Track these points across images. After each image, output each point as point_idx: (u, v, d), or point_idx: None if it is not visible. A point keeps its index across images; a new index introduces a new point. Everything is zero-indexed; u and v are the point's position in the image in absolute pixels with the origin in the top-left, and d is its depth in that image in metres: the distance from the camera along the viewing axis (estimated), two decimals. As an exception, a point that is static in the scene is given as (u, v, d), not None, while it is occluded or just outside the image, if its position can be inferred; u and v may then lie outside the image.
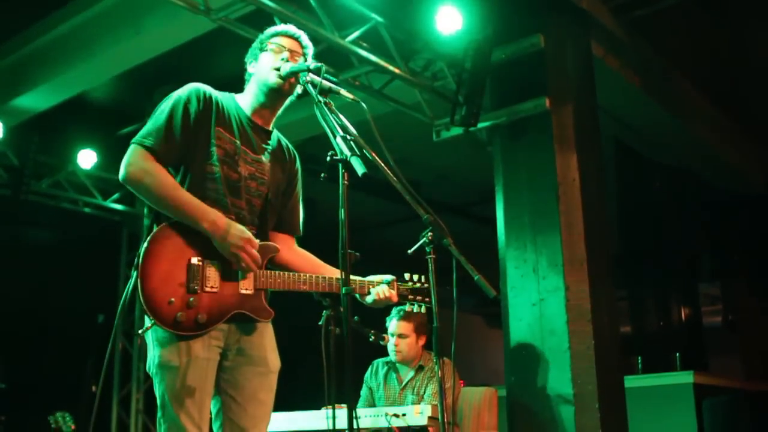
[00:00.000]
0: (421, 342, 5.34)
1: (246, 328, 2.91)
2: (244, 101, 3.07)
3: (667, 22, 7.38)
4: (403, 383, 5.32)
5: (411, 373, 5.32)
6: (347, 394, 2.48)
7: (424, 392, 5.17)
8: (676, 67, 8.33)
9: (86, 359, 9.45)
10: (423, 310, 3.26)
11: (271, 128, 3.12)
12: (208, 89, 2.96)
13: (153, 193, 2.76)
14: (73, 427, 6.31)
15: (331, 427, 4.21)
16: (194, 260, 2.75)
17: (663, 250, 9.98)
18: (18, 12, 6.76)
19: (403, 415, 4.60)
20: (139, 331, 2.73)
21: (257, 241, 2.86)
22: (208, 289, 2.76)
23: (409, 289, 3.22)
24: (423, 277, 3.23)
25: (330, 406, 4.36)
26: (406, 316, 5.33)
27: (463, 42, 6.29)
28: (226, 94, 3.05)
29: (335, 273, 3.06)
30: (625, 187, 9.38)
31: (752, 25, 7.40)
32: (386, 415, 4.63)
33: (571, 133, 6.12)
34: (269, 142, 3.09)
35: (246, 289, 2.85)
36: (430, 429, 4.59)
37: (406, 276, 3.24)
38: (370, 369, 5.55)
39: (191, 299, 2.72)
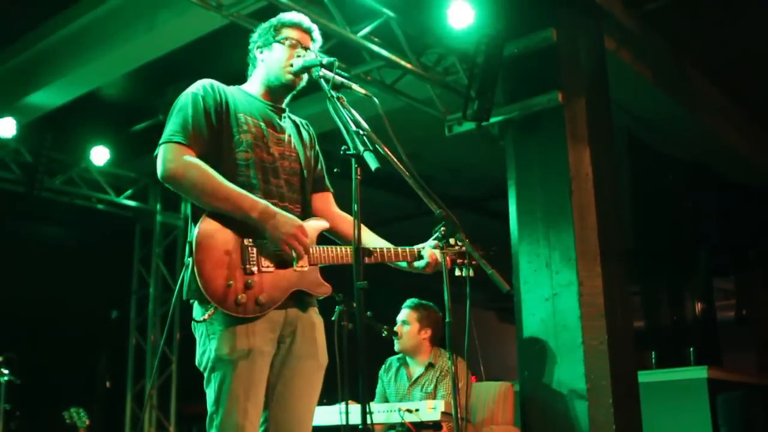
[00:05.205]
0: (424, 335, 5.28)
1: (301, 318, 2.89)
2: (254, 89, 3.07)
3: (679, 14, 7.33)
4: (413, 379, 5.29)
5: (420, 370, 5.27)
6: (360, 389, 2.48)
7: (435, 392, 5.13)
8: (690, 59, 8.28)
9: (100, 355, 9.51)
10: (471, 273, 3.12)
11: (284, 106, 3.12)
12: (216, 82, 2.95)
13: (199, 186, 2.71)
14: (87, 422, 6.35)
15: (344, 423, 4.23)
16: (246, 242, 2.73)
17: (676, 244, 9.94)
18: (30, 9, 6.79)
19: (416, 410, 4.60)
20: (200, 319, 2.69)
21: (307, 224, 2.87)
22: (264, 269, 2.74)
23: (456, 254, 3.12)
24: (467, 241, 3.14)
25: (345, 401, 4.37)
26: (415, 306, 5.33)
27: (475, 36, 6.27)
28: (232, 87, 3.03)
29: (377, 240, 3.06)
30: (639, 181, 9.34)
31: (765, 16, 7.34)
32: (399, 410, 4.63)
33: (584, 127, 6.10)
34: (285, 119, 3.10)
35: (302, 267, 2.83)
36: (443, 424, 4.59)
37: (451, 241, 3.08)
38: (384, 365, 5.55)
39: (249, 280, 2.69)
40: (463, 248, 3.10)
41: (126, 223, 10.02)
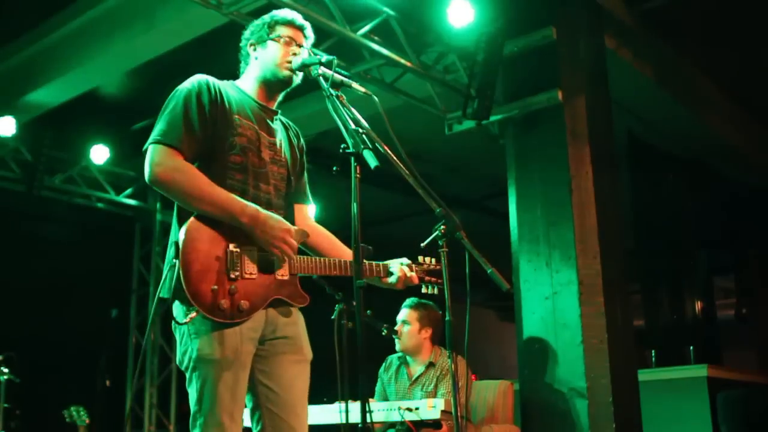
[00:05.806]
0: (425, 334, 5.28)
1: (282, 317, 2.89)
2: (248, 86, 3.04)
3: (680, 13, 7.33)
4: (413, 378, 5.29)
5: (421, 369, 5.27)
6: (360, 387, 2.47)
7: (435, 391, 5.13)
8: (690, 58, 8.27)
9: (100, 354, 9.50)
10: (436, 291, 3.23)
11: (275, 108, 3.10)
12: (212, 79, 2.91)
13: (186, 191, 2.71)
14: (87, 420, 6.34)
15: (343, 422, 4.22)
16: (231, 247, 2.73)
17: (676, 243, 9.94)
18: (31, 8, 6.78)
19: (416, 408, 4.60)
20: (182, 321, 2.69)
21: (293, 228, 2.87)
22: (247, 276, 2.74)
23: (425, 271, 3.21)
24: (434, 260, 3.22)
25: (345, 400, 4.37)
26: (415, 306, 5.32)
27: (475, 35, 6.27)
28: (226, 82, 3.00)
29: (349, 253, 3.04)
30: (639, 179, 9.34)
31: (766, 14, 7.34)
32: (399, 408, 4.62)
33: (583, 125, 6.10)
34: (276, 122, 3.08)
35: (282, 275, 2.83)
36: (443, 423, 4.59)
37: (420, 259, 3.22)
38: (384, 364, 5.55)
39: (232, 286, 2.70)
40: (432, 266, 3.21)
41: (126, 221, 10.02)
